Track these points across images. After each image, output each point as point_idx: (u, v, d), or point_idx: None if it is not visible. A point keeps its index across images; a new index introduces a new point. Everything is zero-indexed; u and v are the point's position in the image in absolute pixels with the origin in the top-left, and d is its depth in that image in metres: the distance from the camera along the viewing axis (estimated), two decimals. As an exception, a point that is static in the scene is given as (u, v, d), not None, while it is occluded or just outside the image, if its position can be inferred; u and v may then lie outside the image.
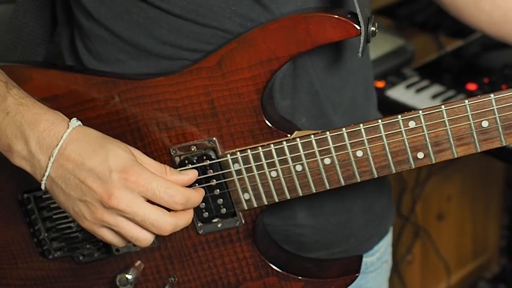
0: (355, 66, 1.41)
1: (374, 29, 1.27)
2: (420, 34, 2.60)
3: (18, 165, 1.22)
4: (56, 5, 1.42)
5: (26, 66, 1.34)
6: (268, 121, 1.29)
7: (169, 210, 1.23)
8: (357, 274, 1.37)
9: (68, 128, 1.21)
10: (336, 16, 1.23)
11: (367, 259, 1.57)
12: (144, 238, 1.22)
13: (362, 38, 1.23)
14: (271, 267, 1.37)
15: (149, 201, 1.21)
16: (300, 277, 1.37)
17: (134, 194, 1.19)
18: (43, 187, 1.22)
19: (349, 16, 1.23)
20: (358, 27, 1.23)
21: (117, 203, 1.18)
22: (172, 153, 1.32)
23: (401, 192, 2.70)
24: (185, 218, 1.25)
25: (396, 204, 2.71)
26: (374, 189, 1.52)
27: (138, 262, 1.39)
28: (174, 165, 1.32)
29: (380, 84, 2.29)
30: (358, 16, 1.22)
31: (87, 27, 1.34)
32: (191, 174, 1.28)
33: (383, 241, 1.60)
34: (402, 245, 2.77)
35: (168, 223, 1.21)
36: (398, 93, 2.25)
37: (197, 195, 1.26)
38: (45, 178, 1.20)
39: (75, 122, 1.22)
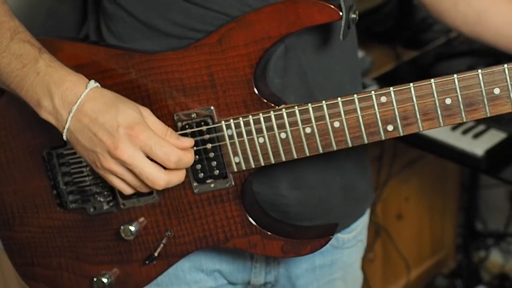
0: (342, 56, 1.41)
1: (355, 16, 1.29)
2: (378, 46, 2.57)
3: (44, 118, 1.26)
4: None
5: (57, 39, 1.37)
6: (260, 94, 1.30)
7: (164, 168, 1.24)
8: (331, 237, 1.36)
9: (86, 88, 1.24)
10: (322, 2, 1.24)
11: (344, 236, 1.56)
12: (141, 188, 1.26)
13: (343, 22, 1.25)
14: (255, 226, 1.36)
15: (148, 158, 1.23)
16: (280, 237, 1.35)
17: (136, 148, 1.22)
18: (64, 137, 1.26)
19: (333, 3, 1.24)
20: (340, 13, 1.24)
21: (121, 154, 1.21)
22: (175, 119, 1.32)
23: None
24: (177, 177, 1.27)
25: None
26: (354, 170, 1.50)
27: (142, 219, 1.38)
28: (176, 129, 1.32)
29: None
30: (341, 3, 1.24)
31: (110, 9, 1.38)
32: (187, 142, 1.29)
33: (360, 221, 1.59)
34: None
35: (162, 179, 1.24)
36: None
37: (189, 156, 1.28)
38: (65, 130, 1.24)
39: (93, 83, 1.26)
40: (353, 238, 1.57)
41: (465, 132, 2.09)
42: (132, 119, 1.22)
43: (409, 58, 2.50)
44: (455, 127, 2.11)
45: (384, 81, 2.33)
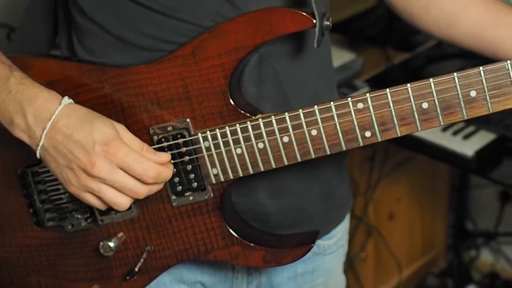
0: (316, 63, 1.37)
1: (328, 23, 1.24)
2: (369, 48, 2.53)
3: (18, 137, 1.22)
4: (57, 10, 1.40)
5: (27, 56, 1.32)
6: (235, 104, 1.26)
7: None
8: (312, 245, 1.31)
9: (60, 105, 1.20)
10: (295, 10, 1.20)
11: (325, 242, 1.51)
12: (121, 202, 1.21)
13: (317, 30, 1.21)
14: (236, 237, 1.31)
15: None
16: (261, 247, 1.31)
17: (113, 165, 1.17)
18: (38, 155, 1.21)
19: (306, 10, 1.20)
20: (314, 20, 1.20)
21: (98, 172, 1.16)
22: (151, 132, 1.28)
23: (354, 195, 2.58)
24: (157, 185, 1.22)
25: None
26: (333, 177, 1.46)
27: (121, 234, 1.33)
28: (152, 143, 1.28)
29: (333, 95, 2.22)
30: (314, 11, 1.20)
31: (81, 24, 1.32)
32: (164, 157, 1.24)
33: (340, 227, 1.54)
34: (356, 244, 2.68)
35: (143, 188, 1.20)
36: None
37: (167, 171, 1.24)
38: (39, 147, 1.19)
39: (66, 100, 1.21)
40: (334, 244, 1.53)
41: (455, 133, 2.06)
42: (107, 136, 1.18)
43: (400, 60, 2.47)
44: (445, 128, 2.09)
45: (376, 83, 2.30)
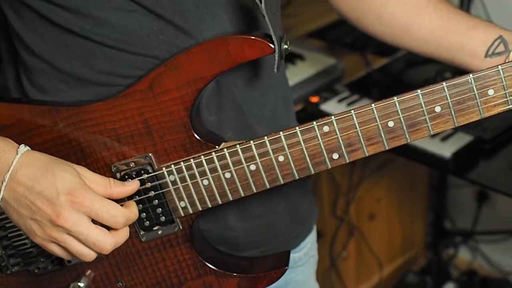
0: (273, 82, 1.29)
1: (286, 47, 1.15)
2: (349, 53, 2.44)
3: None
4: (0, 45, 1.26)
5: (-28, 100, 1.19)
6: (198, 135, 1.16)
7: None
8: (286, 268, 1.24)
9: (17, 154, 1.08)
10: (253, 37, 1.11)
11: (295, 255, 1.43)
12: (88, 254, 1.10)
13: (276, 55, 1.11)
14: (208, 266, 1.23)
15: (94, 221, 1.08)
16: (235, 274, 1.23)
17: (80, 214, 1.07)
18: None
19: (263, 36, 1.11)
20: (272, 46, 1.11)
21: (64, 222, 1.06)
22: (113, 170, 1.17)
23: (336, 196, 2.57)
24: (122, 236, 1.12)
25: (332, 207, 2.58)
26: (297, 192, 1.39)
27: (89, 272, 1.24)
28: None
29: (315, 99, 2.14)
30: (272, 36, 1.10)
31: (29, 62, 1.20)
32: (134, 185, 1.15)
33: (309, 238, 1.47)
34: (338, 243, 2.63)
35: (109, 243, 1.09)
36: (331, 107, 2.11)
37: (135, 213, 1.14)
38: None
39: (23, 148, 1.09)
40: (304, 255, 1.46)
41: (433, 135, 1.98)
42: (71, 184, 1.07)
43: (379, 65, 2.38)
44: None
45: (356, 87, 2.21)
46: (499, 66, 1.09)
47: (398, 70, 2.32)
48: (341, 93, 2.17)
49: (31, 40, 1.17)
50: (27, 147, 1.10)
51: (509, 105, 1.10)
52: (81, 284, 1.21)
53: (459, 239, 2.93)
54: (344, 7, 1.33)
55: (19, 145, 1.10)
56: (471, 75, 1.09)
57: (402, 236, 2.87)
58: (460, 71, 1.23)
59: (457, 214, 2.92)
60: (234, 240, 1.29)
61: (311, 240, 1.47)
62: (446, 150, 1.96)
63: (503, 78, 1.09)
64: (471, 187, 2.78)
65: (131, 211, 1.12)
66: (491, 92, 1.09)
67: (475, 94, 1.09)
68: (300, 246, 1.43)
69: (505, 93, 1.09)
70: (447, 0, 1.28)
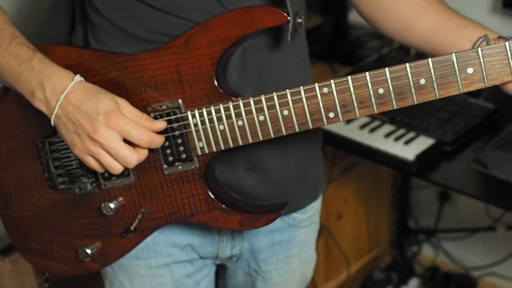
0: (295, 58, 1.26)
1: (301, 21, 1.14)
2: (317, 63, 2.33)
3: (37, 107, 1.13)
4: (75, 10, 1.30)
5: (48, 44, 1.22)
6: (220, 88, 1.14)
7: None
8: (282, 211, 1.19)
9: (72, 81, 1.11)
10: (273, 8, 1.10)
11: (300, 216, 1.38)
12: (116, 166, 1.12)
13: (290, 25, 1.10)
14: (217, 202, 1.19)
15: (124, 140, 1.10)
16: (238, 212, 1.19)
17: (113, 132, 1.08)
18: (52, 122, 1.12)
19: (282, 9, 1.10)
20: (288, 17, 1.09)
21: (99, 137, 1.08)
22: (148, 110, 1.16)
23: None
24: (144, 153, 1.13)
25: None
26: (308, 158, 1.33)
27: (120, 198, 1.22)
28: (149, 119, 1.15)
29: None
30: (289, 9, 1.09)
31: (95, 20, 1.22)
32: (161, 124, 1.14)
33: (314, 204, 1.41)
34: None
35: (134, 158, 1.11)
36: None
37: (159, 138, 1.14)
38: (53, 115, 1.11)
39: (78, 77, 1.12)
40: (308, 218, 1.40)
41: (397, 139, 1.91)
42: (109, 108, 1.09)
43: (345, 74, 2.25)
44: (388, 135, 1.93)
45: None
46: (479, 48, 1.04)
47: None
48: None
49: (97, 2, 1.19)
50: (81, 78, 1.12)
51: (485, 84, 1.05)
52: (112, 205, 1.19)
53: (422, 237, 2.76)
54: (360, 5, 1.30)
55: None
56: (454, 53, 1.04)
57: (369, 235, 2.69)
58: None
59: (420, 213, 2.75)
60: (246, 190, 1.25)
61: (316, 206, 1.42)
62: (409, 152, 1.84)
63: (481, 59, 1.04)
64: (433, 188, 2.62)
65: (156, 136, 1.12)
66: (470, 70, 1.04)
67: (455, 71, 1.04)
68: (306, 209, 1.38)
69: (483, 73, 1.05)
70: (443, 2, 1.25)
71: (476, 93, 2.04)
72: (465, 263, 2.66)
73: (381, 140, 1.92)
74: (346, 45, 2.43)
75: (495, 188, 1.77)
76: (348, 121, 1.97)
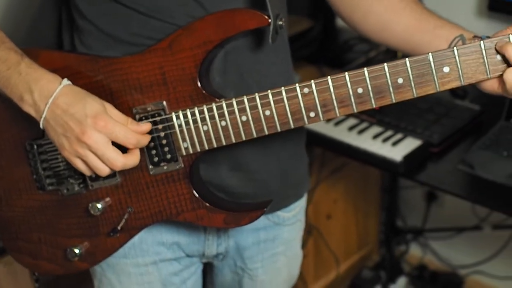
0: (276, 61, 1.26)
1: (281, 23, 1.14)
2: (306, 66, 2.33)
3: (26, 111, 1.13)
4: (62, 15, 1.30)
5: (35, 48, 1.22)
6: (204, 89, 1.14)
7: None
8: (265, 209, 1.19)
9: (60, 85, 1.11)
10: (254, 11, 1.11)
11: (284, 214, 1.38)
12: (103, 168, 1.11)
13: (271, 27, 1.11)
14: (202, 201, 1.19)
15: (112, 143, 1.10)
16: (222, 210, 1.19)
17: (101, 134, 1.09)
18: (41, 126, 1.12)
19: (263, 11, 1.10)
20: (269, 19, 1.09)
21: (87, 139, 1.08)
22: (133, 112, 1.17)
23: None
24: (132, 160, 1.13)
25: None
26: (291, 158, 1.34)
27: (107, 198, 1.21)
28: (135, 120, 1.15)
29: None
30: (269, 12, 1.10)
31: (81, 25, 1.22)
32: (146, 126, 1.15)
33: (298, 203, 1.41)
34: None
35: (120, 161, 1.11)
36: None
37: (145, 139, 1.14)
38: (42, 119, 1.11)
39: (65, 81, 1.13)
40: (293, 217, 1.40)
41: (384, 140, 1.92)
42: (97, 111, 1.09)
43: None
44: (375, 136, 1.94)
45: None
46: (455, 48, 1.04)
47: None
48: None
49: (83, 6, 1.20)
50: (69, 81, 1.12)
51: (461, 83, 1.05)
52: (99, 205, 1.19)
53: (410, 236, 2.76)
54: (337, 5, 1.31)
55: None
56: (430, 53, 1.05)
57: (357, 235, 2.69)
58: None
59: (408, 213, 2.75)
60: (231, 189, 1.25)
61: (300, 205, 1.42)
62: (397, 154, 1.84)
63: (457, 58, 1.04)
64: (420, 188, 2.62)
65: (142, 137, 1.13)
66: (446, 69, 1.04)
67: (432, 70, 1.05)
68: (290, 207, 1.38)
69: (459, 72, 1.05)
70: (421, 2, 1.26)
71: (462, 95, 2.06)
72: (452, 262, 2.66)
73: (369, 142, 1.93)
74: (334, 49, 2.43)
75: (481, 188, 1.78)
76: (337, 123, 1.98)
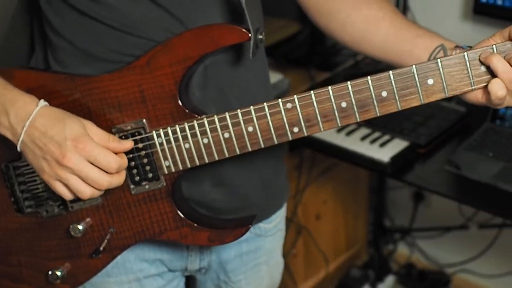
0: (255, 75, 1.22)
1: (261, 37, 1.11)
2: (295, 69, 2.31)
3: (2, 133, 1.09)
4: (34, 31, 1.25)
5: (9, 68, 1.16)
6: (184, 106, 1.10)
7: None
8: (250, 226, 1.16)
9: (37, 106, 1.07)
10: (233, 26, 1.07)
11: (265, 225, 1.35)
12: (84, 191, 1.06)
13: (252, 42, 1.07)
14: (185, 220, 1.16)
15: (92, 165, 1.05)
16: (207, 228, 1.15)
17: (81, 157, 1.04)
18: (18, 148, 1.08)
19: (242, 26, 1.06)
20: (249, 34, 1.06)
21: (67, 161, 1.03)
22: (113, 131, 1.12)
23: None
24: (117, 179, 1.08)
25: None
26: (271, 170, 1.31)
27: (88, 219, 1.17)
28: (115, 139, 1.11)
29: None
30: (249, 26, 1.06)
31: (55, 41, 1.17)
32: (128, 143, 1.11)
33: (279, 213, 1.38)
34: (287, 242, 2.39)
35: (105, 180, 1.06)
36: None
37: (126, 162, 1.10)
38: (19, 142, 1.07)
39: (42, 102, 1.08)
40: (274, 227, 1.37)
41: (372, 142, 1.90)
42: (77, 133, 1.05)
43: (322, 79, 2.26)
44: (363, 138, 1.93)
45: None
46: (438, 60, 1.01)
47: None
48: (288, 105, 2.07)
49: (56, 22, 1.15)
50: (46, 102, 1.08)
51: (446, 94, 1.03)
52: (80, 227, 1.15)
53: (398, 235, 2.75)
54: (314, 15, 1.27)
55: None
56: (414, 65, 1.02)
57: (346, 234, 2.68)
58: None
59: (395, 213, 2.74)
60: (213, 204, 1.21)
61: (280, 215, 1.39)
62: (384, 155, 1.84)
63: (441, 70, 1.01)
64: (408, 188, 2.61)
65: (123, 160, 1.08)
66: (430, 81, 1.02)
67: (416, 82, 1.02)
68: (271, 218, 1.35)
69: (443, 83, 1.02)
70: (399, 12, 1.22)
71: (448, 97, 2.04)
72: (439, 261, 2.66)
73: (358, 143, 1.92)
74: (323, 52, 2.41)
75: (467, 188, 1.78)
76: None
